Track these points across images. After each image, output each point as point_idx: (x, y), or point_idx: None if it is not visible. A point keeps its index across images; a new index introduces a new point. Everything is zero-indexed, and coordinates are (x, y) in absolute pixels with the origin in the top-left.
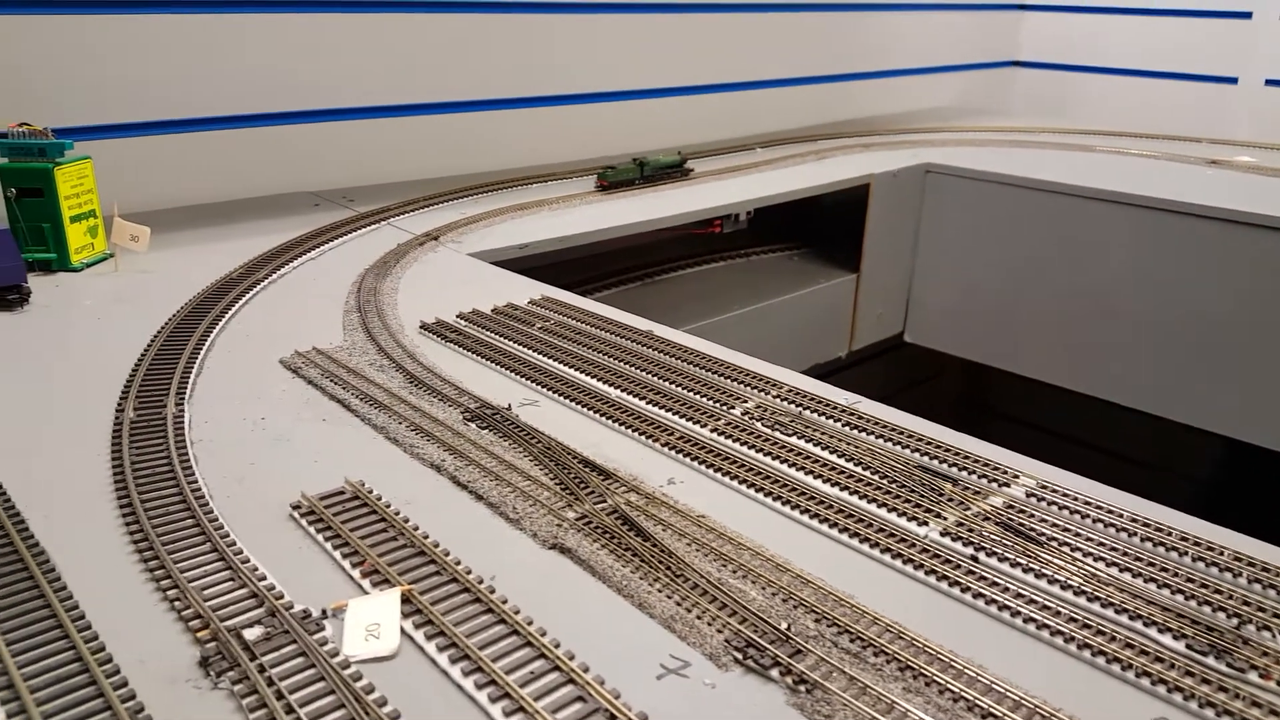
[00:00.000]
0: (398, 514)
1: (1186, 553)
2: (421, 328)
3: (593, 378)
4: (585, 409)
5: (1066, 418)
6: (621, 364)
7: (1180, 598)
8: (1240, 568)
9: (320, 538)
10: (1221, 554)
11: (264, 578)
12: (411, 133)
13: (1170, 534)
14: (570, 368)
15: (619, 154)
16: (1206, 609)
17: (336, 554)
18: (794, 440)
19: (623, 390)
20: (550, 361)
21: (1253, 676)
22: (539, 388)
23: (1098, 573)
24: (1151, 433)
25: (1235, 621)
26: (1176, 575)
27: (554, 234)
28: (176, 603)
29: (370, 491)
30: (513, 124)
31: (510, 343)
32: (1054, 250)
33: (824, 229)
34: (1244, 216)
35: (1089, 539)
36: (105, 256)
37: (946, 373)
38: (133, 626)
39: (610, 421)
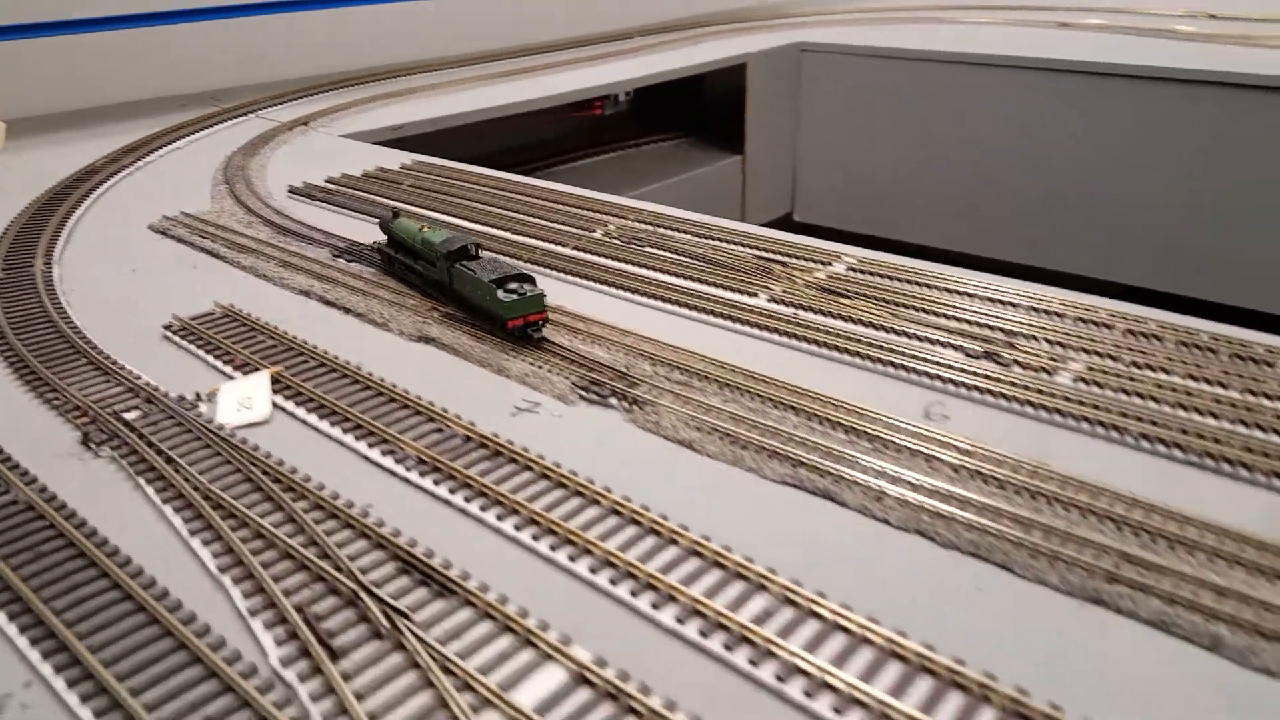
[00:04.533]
0: (267, 325)
1: (975, 295)
2: (290, 191)
3: (461, 218)
4: None
5: None
6: (490, 206)
7: (965, 324)
8: (1017, 299)
9: (193, 347)
10: (1001, 292)
11: (139, 377)
12: (280, 32)
13: (964, 284)
14: (439, 212)
15: (500, 45)
16: (985, 330)
17: (209, 357)
18: (648, 250)
19: (489, 225)
20: (416, 207)
21: (1016, 370)
22: None
23: (898, 314)
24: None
25: (1006, 337)
26: (962, 310)
27: (428, 115)
28: (54, 400)
29: (240, 311)
30: (388, 18)
31: (380, 198)
32: (931, 118)
33: (708, 115)
34: (1105, 68)
35: (895, 294)
36: None
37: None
38: (15, 424)
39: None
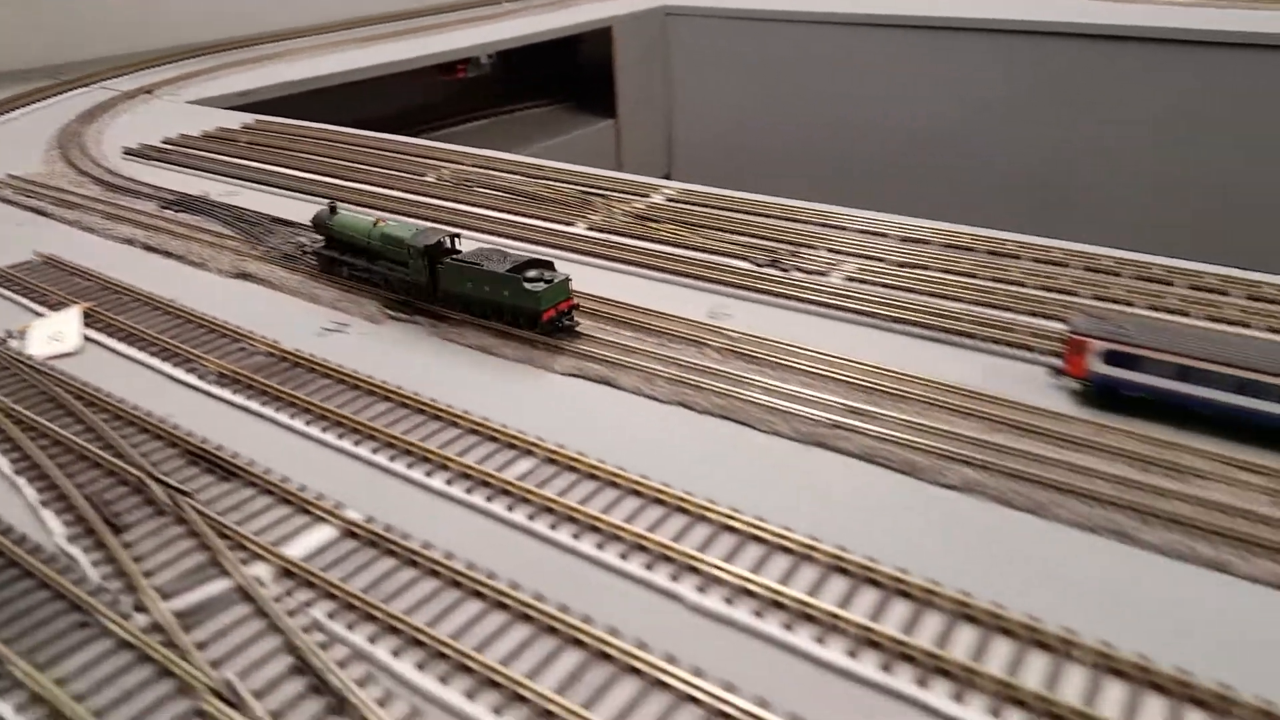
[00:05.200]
0: (87, 270)
1: (769, 215)
2: (125, 153)
3: (294, 168)
4: (284, 190)
5: None
6: (328, 157)
7: (758, 239)
8: (809, 217)
9: (7, 290)
10: (793, 210)
11: None
12: (123, 4)
13: (762, 206)
14: (273, 165)
15: (361, 13)
16: (774, 243)
17: (22, 299)
18: (478, 189)
19: (319, 173)
20: (253, 162)
21: (796, 274)
22: (240, 182)
23: (699, 234)
24: None
25: (790, 248)
26: (757, 228)
27: (279, 80)
28: None
29: (60, 259)
30: None
31: (215, 155)
32: (798, 77)
33: (583, 80)
34: (957, 23)
35: (701, 218)
36: None
37: None
38: None
39: (307, 196)
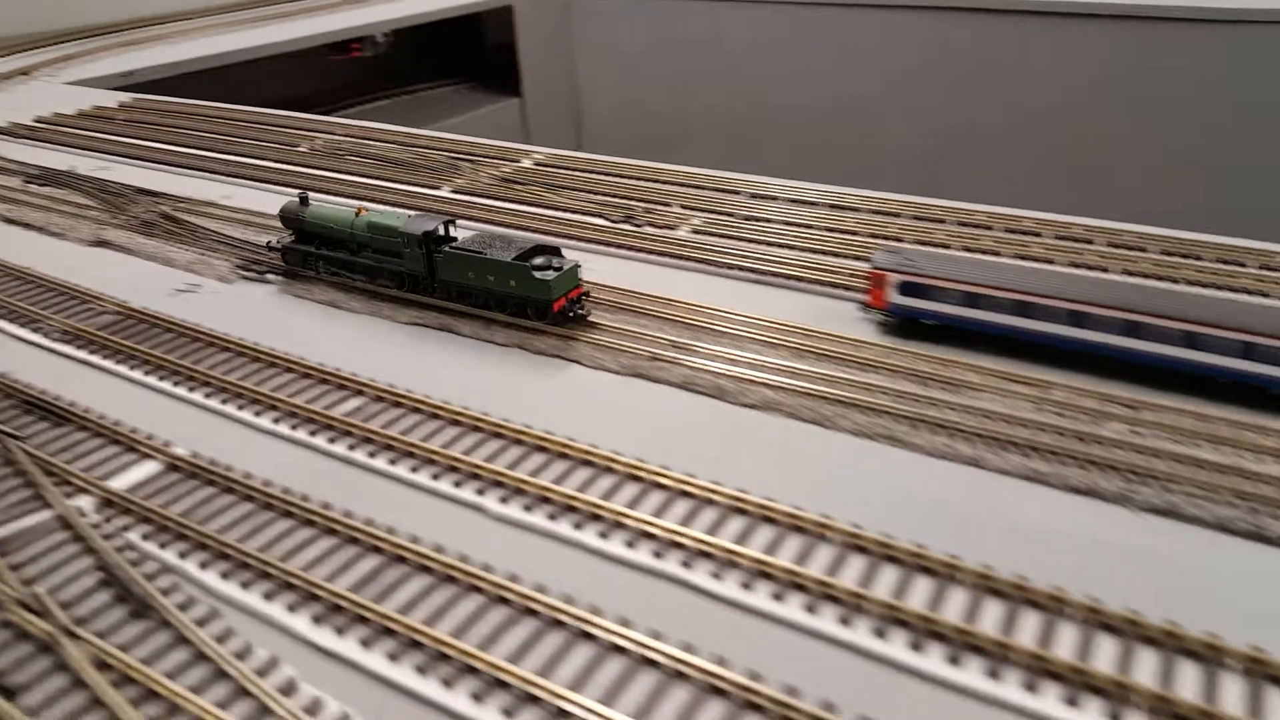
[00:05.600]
0: None
1: (628, 176)
2: None
3: (168, 143)
4: (155, 164)
5: None
6: (203, 132)
7: (614, 198)
8: (666, 177)
9: None
10: (647, 170)
11: None
12: None
13: (620, 168)
14: (146, 140)
15: None
16: (629, 201)
17: None
18: (349, 157)
19: (193, 147)
20: (127, 138)
21: (649, 229)
22: (112, 157)
23: (560, 194)
24: None
25: (644, 206)
26: (615, 188)
27: (164, 60)
28: None
29: None
30: None
31: (88, 132)
32: (701, 52)
33: (485, 61)
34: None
35: (565, 180)
36: None
37: None
38: None
39: (180, 169)
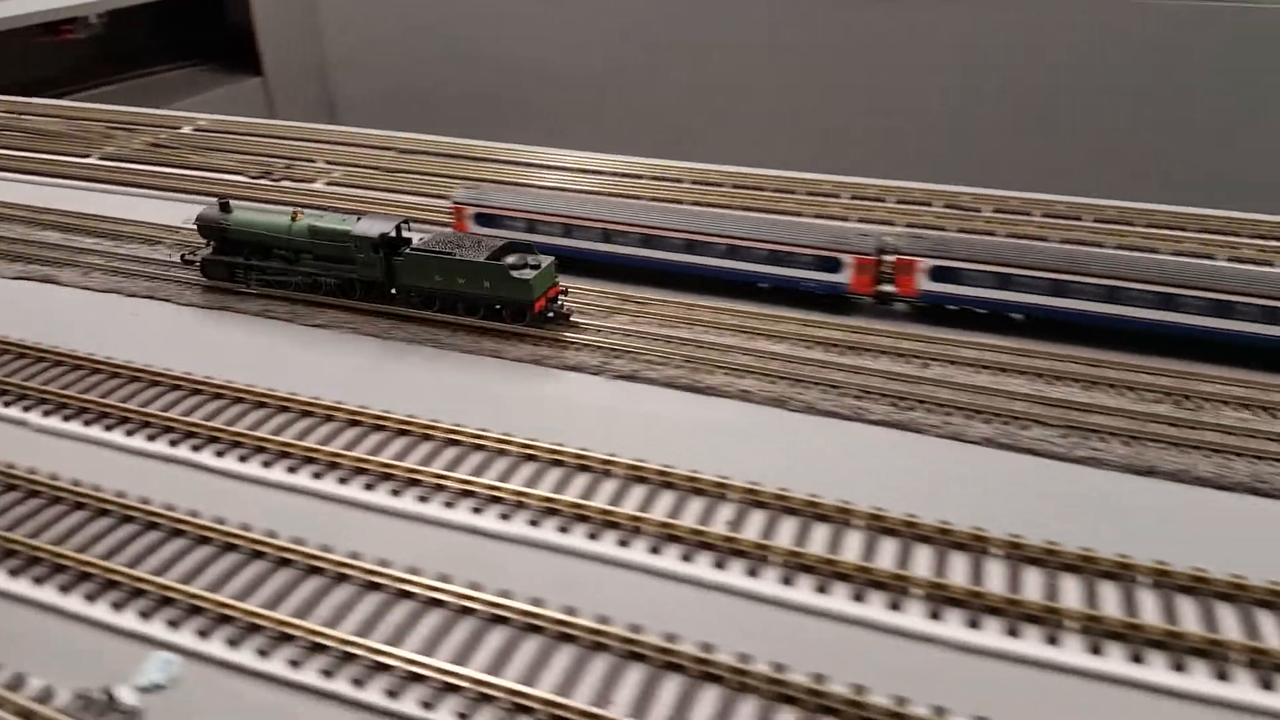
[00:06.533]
0: None
1: (282, 137)
2: None
3: None
4: None
5: None
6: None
7: (258, 157)
8: (339, 139)
9: None
10: (307, 129)
11: None
12: None
13: (284, 131)
14: None
15: None
16: (268, 158)
17: None
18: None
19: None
20: None
21: (286, 183)
22: None
23: (205, 156)
24: None
25: (285, 162)
26: (266, 148)
27: None
28: None
29: None
30: None
31: None
32: (457, 25)
33: (224, 41)
34: None
35: (219, 144)
36: None
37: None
38: None
39: None
